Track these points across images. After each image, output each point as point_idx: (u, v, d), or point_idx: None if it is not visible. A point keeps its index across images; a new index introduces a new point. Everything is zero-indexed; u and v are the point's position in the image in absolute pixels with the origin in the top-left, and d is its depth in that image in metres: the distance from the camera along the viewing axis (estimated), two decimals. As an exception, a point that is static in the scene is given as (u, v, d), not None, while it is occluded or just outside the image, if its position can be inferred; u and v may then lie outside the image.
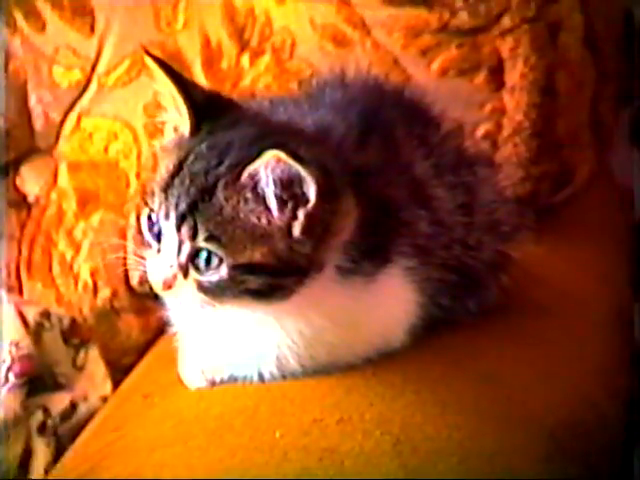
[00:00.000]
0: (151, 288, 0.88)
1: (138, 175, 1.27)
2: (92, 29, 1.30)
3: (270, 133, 0.86)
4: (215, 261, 0.83)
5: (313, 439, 0.80)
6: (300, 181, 0.80)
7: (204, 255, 0.83)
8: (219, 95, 0.92)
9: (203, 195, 0.82)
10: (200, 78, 1.25)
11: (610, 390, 1.00)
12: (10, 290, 1.23)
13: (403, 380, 0.88)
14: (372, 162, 0.90)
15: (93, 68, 1.30)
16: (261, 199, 0.82)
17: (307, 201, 0.81)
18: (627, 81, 1.38)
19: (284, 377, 0.89)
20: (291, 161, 0.79)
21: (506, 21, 1.20)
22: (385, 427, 0.81)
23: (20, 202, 1.34)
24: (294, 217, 0.82)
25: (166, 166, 0.86)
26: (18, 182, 1.35)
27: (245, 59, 1.25)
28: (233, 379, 0.91)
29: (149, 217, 0.87)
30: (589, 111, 1.31)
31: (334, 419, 0.82)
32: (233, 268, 0.83)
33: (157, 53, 1.25)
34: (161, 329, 1.15)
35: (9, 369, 1.08)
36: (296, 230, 0.82)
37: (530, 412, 0.89)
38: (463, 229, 0.95)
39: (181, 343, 0.95)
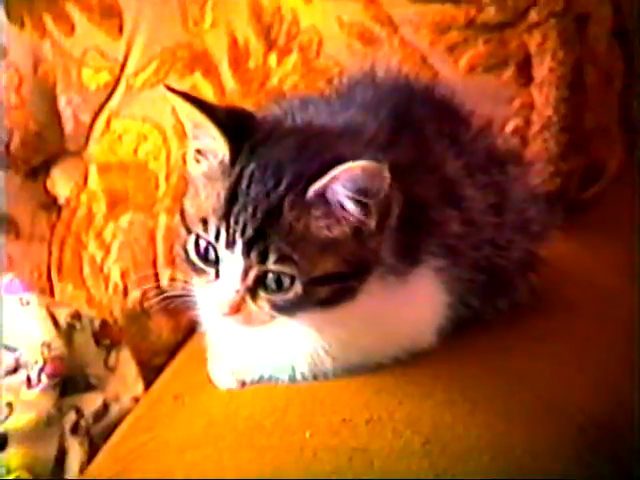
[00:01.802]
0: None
1: (167, 176, 1.27)
2: (120, 31, 1.30)
3: (310, 141, 0.86)
4: (287, 280, 0.82)
5: (343, 439, 0.81)
6: (378, 180, 0.81)
7: (273, 276, 0.83)
8: (239, 110, 0.91)
9: (270, 218, 0.82)
10: (227, 78, 1.26)
11: (636, 385, 0.99)
12: (41, 292, 1.23)
13: (432, 380, 0.88)
14: (403, 161, 0.89)
15: (121, 70, 1.31)
16: (333, 211, 0.82)
17: (378, 194, 0.82)
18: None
19: (315, 378, 0.89)
20: (368, 164, 0.79)
21: (533, 15, 1.19)
22: (414, 427, 0.82)
23: (50, 204, 1.35)
24: (368, 215, 0.82)
25: (216, 194, 0.84)
26: (48, 184, 1.36)
27: (272, 58, 1.25)
28: (263, 380, 0.91)
29: (197, 244, 0.86)
30: (618, 105, 1.30)
31: (363, 419, 0.82)
32: (307, 283, 0.83)
33: (184, 53, 1.27)
34: (191, 329, 1.16)
35: (42, 370, 1.09)
36: (372, 223, 0.83)
37: (560, 410, 0.89)
38: (493, 229, 0.95)
39: (211, 343, 0.96)
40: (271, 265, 0.82)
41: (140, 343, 1.24)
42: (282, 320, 0.86)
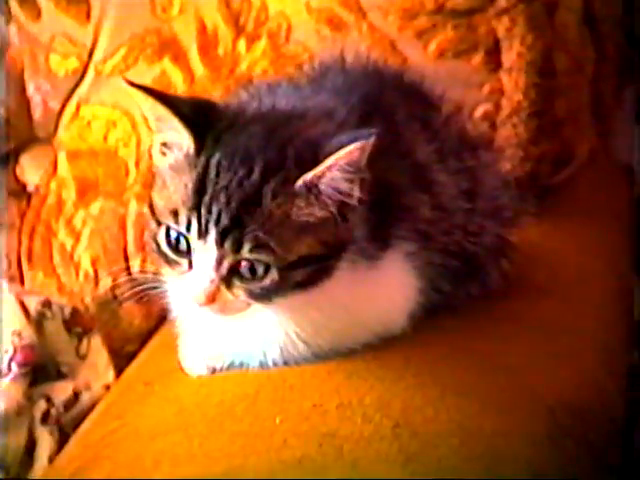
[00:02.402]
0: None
1: (137, 163, 1.27)
2: (88, 16, 1.29)
3: (277, 127, 0.85)
4: (260, 268, 0.82)
5: (313, 424, 0.81)
6: (361, 157, 0.81)
7: (247, 264, 0.83)
8: (201, 100, 0.91)
9: (246, 206, 0.82)
10: (196, 64, 1.25)
11: (611, 368, 1.00)
12: (11, 280, 1.23)
13: (403, 364, 0.88)
14: (373, 146, 0.89)
15: (90, 56, 1.30)
16: (321, 197, 0.82)
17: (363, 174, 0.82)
18: (629, 60, 1.38)
19: (286, 364, 0.89)
20: (363, 143, 0.80)
21: (502, 1, 1.19)
22: (385, 411, 0.82)
23: (20, 191, 1.34)
24: (350, 196, 0.83)
25: (184, 185, 0.84)
26: (18, 171, 1.36)
27: (241, 44, 1.25)
28: (234, 366, 0.91)
29: (167, 235, 0.85)
30: (589, 91, 1.31)
31: (334, 404, 0.82)
32: (283, 268, 0.83)
33: (153, 39, 1.26)
34: (163, 316, 1.16)
35: (12, 359, 1.08)
36: (355, 199, 0.83)
37: (531, 392, 0.89)
38: (465, 214, 0.95)
39: (182, 330, 0.96)
40: (245, 254, 0.82)
41: (111, 331, 1.24)
42: (255, 307, 0.86)
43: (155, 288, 0.91)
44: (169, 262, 0.86)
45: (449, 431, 0.81)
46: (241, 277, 0.83)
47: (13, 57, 1.32)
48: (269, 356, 0.89)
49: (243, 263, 0.83)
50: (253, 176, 0.82)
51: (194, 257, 0.84)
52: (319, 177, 0.82)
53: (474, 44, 1.20)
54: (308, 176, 0.82)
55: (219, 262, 0.83)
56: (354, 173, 0.82)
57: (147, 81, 1.23)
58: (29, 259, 1.30)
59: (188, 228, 0.83)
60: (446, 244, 0.94)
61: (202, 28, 1.26)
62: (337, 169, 0.81)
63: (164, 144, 0.87)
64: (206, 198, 0.82)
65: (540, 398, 0.89)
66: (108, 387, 1.14)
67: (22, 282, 1.29)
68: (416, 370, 0.87)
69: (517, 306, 1.02)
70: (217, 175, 0.83)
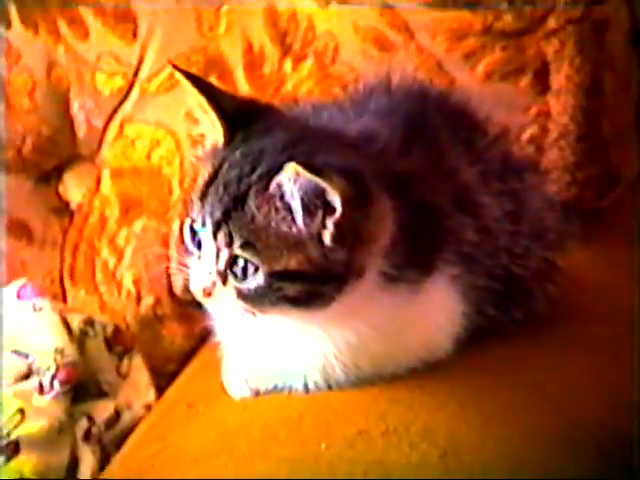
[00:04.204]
0: (194, 296, 0.88)
1: (181, 182, 1.27)
2: (135, 35, 1.30)
3: (302, 140, 0.85)
4: (252, 269, 0.83)
5: (359, 451, 0.80)
6: (324, 191, 0.80)
7: (241, 263, 0.83)
8: (255, 102, 0.92)
9: (236, 203, 0.83)
10: (242, 83, 1.25)
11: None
12: (54, 298, 1.23)
13: (448, 391, 0.87)
14: (416, 168, 0.89)
15: (135, 74, 1.31)
16: (289, 209, 0.82)
17: (334, 210, 0.80)
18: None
19: (329, 387, 0.88)
20: (307, 173, 0.78)
21: (551, 22, 1.18)
22: (431, 439, 0.80)
23: (63, 209, 1.35)
24: (324, 226, 0.81)
25: (203, 175, 0.86)
26: (61, 189, 1.36)
27: (287, 64, 1.25)
28: (277, 389, 0.90)
29: (191, 226, 0.87)
30: (635, 110, 1.29)
31: (379, 431, 0.81)
32: (270, 275, 0.82)
33: (199, 58, 1.26)
34: (204, 336, 1.16)
35: (54, 376, 1.08)
36: (327, 239, 0.81)
37: (576, 423, 0.87)
38: (509, 237, 0.94)
39: (225, 352, 0.95)
40: (236, 249, 0.82)
41: (153, 350, 1.24)
42: (293, 326, 0.86)
43: (197, 308, 0.91)
44: (188, 252, 0.87)
45: (496, 461, 0.80)
46: (235, 275, 0.83)
47: (59, 76, 1.32)
48: (310, 378, 0.88)
49: (239, 261, 0.83)
50: (252, 176, 0.83)
51: (202, 248, 0.85)
52: (279, 184, 0.81)
53: (522, 66, 1.19)
54: (277, 179, 0.81)
55: (217, 255, 0.83)
56: (309, 200, 0.80)
57: (192, 101, 1.23)
58: (71, 277, 1.31)
59: (195, 217, 0.85)
60: (491, 267, 0.92)
61: (248, 47, 1.26)
62: (292, 181, 0.80)
63: (201, 135, 0.89)
64: (211, 189, 0.84)
65: (586, 428, 0.87)
66: (149, 407, 1.14)
67: (64, 300, 1.30)
68: (461, 398, 0.86)
69: (562, 332, 1.00)
70: (227, 170, 0.84)
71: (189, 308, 1.17)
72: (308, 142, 0.85)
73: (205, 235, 0.84)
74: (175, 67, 0.89)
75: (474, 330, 0.93)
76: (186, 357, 1.22)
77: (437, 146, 0.93)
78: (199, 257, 0.86)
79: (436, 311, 0.90)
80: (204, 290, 0.85)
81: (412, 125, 0.92)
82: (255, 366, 0.92)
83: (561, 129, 1.21)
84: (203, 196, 0.84)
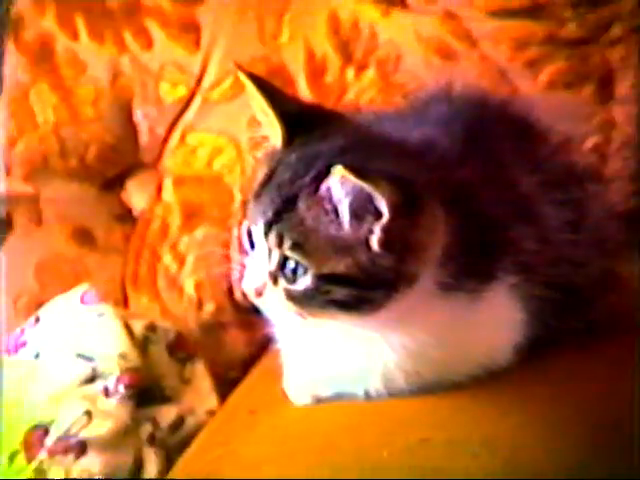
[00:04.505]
0: (254, 303, 0.89)
1: (242, 190, 1.28)
2: (198, 45, 1.32)
3: (359, 146, 0.85)
4: (301, 270, 0.83)
5: (420, 459, 0.79)
6: (371, 196, 0.79)
7: (292, 264, 0.83)
8: (317, 107, 0.93)
9: (287, 204, 0.83)
10: (304, 92, 1.26)
11: None
12: (116, 303, 1.24)
13: (509, 400, 0.86)
14: (476, 177, 0.89)
15: (198, 83, 1.32)
16: (338, 212, 0.82)
17: (381, 215, 0.80)
18: None
19: (390, 394, 0.88)
20: (353, 177, 0.78)
21: (616, 30, 1.17)
22: (493, 448, 0.80)
23: (125, 216, 1.37)
24: (371, 231, 0.81)
25: (260, 176, 0.87)
26: (123, 196, 1.38)
27: (350, 73, 1.25)
28: (338, 396, 0.91)
29: (247, 226, 0.88)
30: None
31: (441, 439, 0.81)
32: (318, 278, 0.83)
33: (261, 67, 1.27)
34: (266, 343, 1.16)
35: (118, 380, 1.10)
36: (374, 244, 0.81)
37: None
38: (570, 246, 0.93)
39: (286, 359, 0.96)
40: (287, 250, 0.83)
41: (215, 356, 1.24)
42: (352, 332, 0.87)
43: (258, 314, 0.92)
44: (246, 252, 0.88)
45: (559, 474, 0.79)
46: (285, 276, 0.84)
47: (123, 85, 1.34)
48: (371, 385, 0.88)
49: (289, 263, 0.83)
50: (305, 178, 0.83)
51: (255, 248, 0.86)
52: (328, 188, 0.81)
53: (586, 75, 1.18)
54: (327, 182, 0.81)
55: (269, 256, 0.84)
56: (356, 204, 0.80)
57: (254, 102, 1.25)
58: (134, 283, 1.32)
59: (249, 217, 0.86)
60: (551, 276, 0.91)
61: (311, 56, 1.27)
62: (340, 184, 0.80)
63: (263, 137, 0.90)
64: (266, 189, 0.85)
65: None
66: (212, 412, 1.14)
67: (126, 305, 1.31)
68: (524, 408, 0.85)
69: (623, 345, 0.99)
70: (282, 172, 0.85)
71: (250, 315, 1.18)
72: (365, 148, 0.85)
73: (258, 235, 0.85)
74: (239, 67, 0.90)
75: (535, 339, 0.92)
76: (248, 364, 1.22)
77: (497, 155, 0.93)
78: (253, 257, 0.87)
79: (496, 319, 0.90)
80: (255, 290, 0.86)
81: (472, 134, 0.92)
82: (316, 373, 0.92)
83: (625, 138, 1.20)
84: (257, 196, 0.85)
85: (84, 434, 1.04)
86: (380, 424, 0.85)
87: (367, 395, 0.88)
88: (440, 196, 0.84)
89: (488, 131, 0.95)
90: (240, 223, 0.89)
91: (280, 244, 0.83)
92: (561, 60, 1.18)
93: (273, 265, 0.84)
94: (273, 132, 0.88)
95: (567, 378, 0.92)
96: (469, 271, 0.86)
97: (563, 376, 0.92)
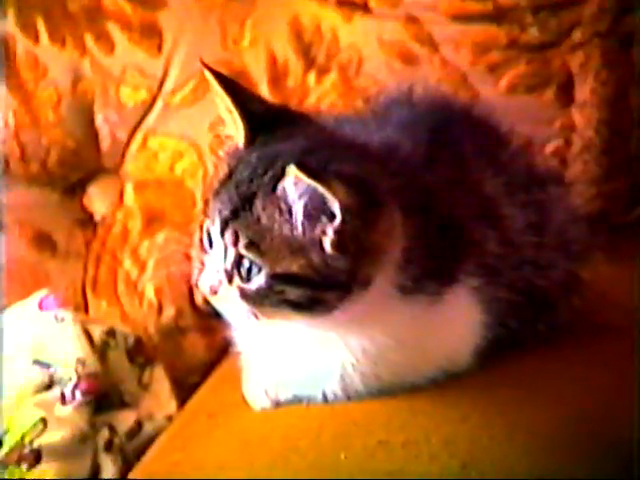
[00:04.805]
0: (215, 307, 0.88)
1: (203, 191, 1.27)
2: (160, 49, 1.31)
3: (320, 147, 0.85)
4: (256, 269, 0.83)
5: (379, 462, 0.79)
6: (325, 197, 0.79)
7: (247, 263, 0.83)
8: (282, 107, 0.93)
9: (244, 203, 0.83)
10: (266, 96, 1.25)
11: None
12: (76, 308, 1.23)
13: (470, 402, 0.86)
14: (439, 180, 0.89)
15: (159, 87, 1.31)
16: (292, 212, 0.82)
17: (335, 217, 0.80)
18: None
19: (348, 397, 0.88)
20: (305, 178, 0.78)
21: (577, 35, 1.19)
22: (451, 450, 0.80)
23: (86, 221, 1.36)
24: (324, 232, 0.81)
25: (219, 174, 0.87)
26: (85, 201, 1.37)
27: (311, 77, 1.26)
28: (297, 399, 0.90)
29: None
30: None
31: (400, 441, 0.81)
32: (271, 277, 0.82)
33: (223, 71, 1.26)
34: (226, 348, 1.15)
35: (75, 387, 1.09)
36: (327, 245, 0.81)
37: (602, 437, 0.86)
38: (533, 249, 0.94)
39: (245, 363, 0.95)
40: (242, 249, 0.83)
41: (174, 361, 1.24)
42: (311, 335, 0.87)
43: (218, 318, 0.91)
44: (203, 249, 0.88)
45: (518, 474, 0.79)
46: (240, 275, 0.84)
47: (84, 89, 1.33)
48: (329, 388, 0.88)
49: (244, 262, 0.83)
50: (264, 178, 0.83)
51: (212, 246, 0.86)
52: (284, 188, 0.81)
53: (547, 79, 1.20)
54: (283, 182, 0.81)
55: (225, 254, 0.84)
56: (310, 205, 0.80)
57: (215, 114, 1.22)
58: (94, 288, 1.31)
59: (208, 215, 0.86)
60: (514, 279, 0.92)
61: (272, 60, 1.27)
62: (295, 185, 0.80)
63: (228, 136, 0.90)
64: (224, 189, 0.85)
65: (612, 444, 0.86)
66: (171, 418, 1.14)
67: (86, 311, 1.30)
68: (483, 409, 0.85)
69: (586, 346, 0.99)
70: (242, 171, 0.85)
71: (210, 319, 1.17)
72: (326, 150, 0.85)
73: (215, 233, 0.85)
74: (205, 65, 0.90)
75: (496, 342, 0.92)
76: (207, 368, 1.22)
77: (460, 158, 0.93)
78: (211, 255, 0.87)
79: (456, 322, 0.90)
80: (211, 288, 0.86)
81: (435, 137, 0.92)
82: (275, 376, 0.92)
83: (585, 142, 1.21)
84: (217, 194, 0.85)
85: (38, 442, 1.04)
86: (339, 427, 0.85)
87: (325, 398, 0.88)
88: (402, 200, 0.84)
89: (450, 134, 0.95)
90: (202, 222, 0.89)
91: (236, 242, 0.83)
92: (522, 64, 1.19)
93: (228, 263, 0.84)
94: (236, 131, 0.88)
95: (529, 380, 0.92)
96: (430, 274, 0.86)
97: (524, 378, 0.92)
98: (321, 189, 0.78)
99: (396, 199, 0.83)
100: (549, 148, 1.21)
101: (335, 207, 0.79)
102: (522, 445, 0.82)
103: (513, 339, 0.93)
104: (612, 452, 0.85)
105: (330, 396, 0.88)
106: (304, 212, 0.81)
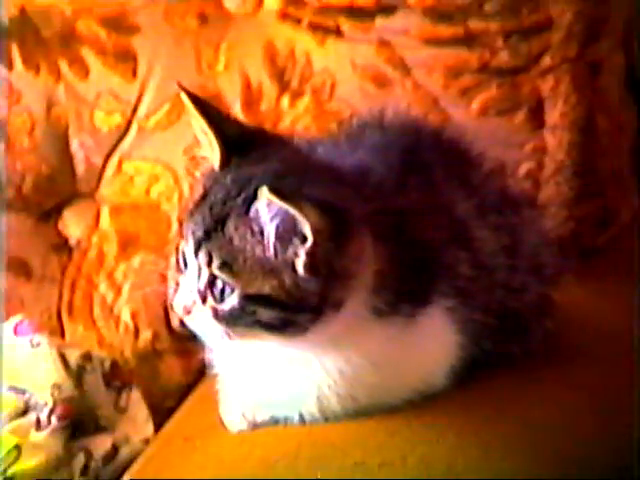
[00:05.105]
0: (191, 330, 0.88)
1: (179, 214, 1.27)
2: (134, 74, 1.31)
3: (293, 170, 0.86)
4: (229, 290, 0.83)
5: (355, 483, 0.79)
6: (296, 219, 0.80)
7: (220, 284, 0.84)
8: (257, 130, 0.94)
9: (217, 224, 0.84)
10: (239, 119, 1.26)
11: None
12: (51, 333, 1.23)
13: (446, 424, 0.87)
14: (411, 204, 0.89)
15: (133, 112, 1.31)
16: (267, 241, 0.82)
17: (306, 239, 0.81)
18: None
19: (325, 419, 0.88)
20: (277, 200, 0.79)
21: (547, 60, 1.20)
22: (428, 472, 0.80)
23: (62, 245, 1.35)
24: (296, 254, 0.82)
25: (194, 196, 0.87)
26: (60, 226, 1.36)
27: (285, 100, 1.26)
28: (274, 421, 0.90)
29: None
30: (630, 150, 1.30)
31: (376, 463, 0.81)
32: (244, 298, 0.83)
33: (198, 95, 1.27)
34: (202, 371, 1.15)
35: (51, 412, 1.08)
36: (299, 267, 0.82)
37: (575, 459, 0.86)
38: (506, 271, 0.94)
39: (222, 385, 0.95)
40: (215, 269, 0.83)
41: (151, 385, 1.23)
42: (287, 356, 0.87)
43: (195, 341, 0.91)
44: (179, 270, 0.88)
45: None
46: (214, 296, 0.84)
47: (58, 115, 1.33)
48: (305, 409, 0.88)
49: (218, 282, 0.84)
50: (237, 199, 0.84)
51: (187, 267, 0.86)
52: (257, 210, 0.82)
53: (517, 103, 1.21)
54: (257, 204, 0.81)
55: (199, 274, 0.84)
56: (282, 227, 0.81)
57: (190, 138, 1.24)
58: (69, 312, 1.31)
59: (183, 235, 0.87)
60: (487, 301, 0.92)
61: (247, 84, 1.28)
62: (267, 207, 0.81)
63: (203, 158, 0.90)
64: (198, 210, 0.85)
65: (584, 465, 0.86)
66: (147, 441, 1.13)
67: (62, 335, 1.29)
68: (458, 430, 0.86)
69: (559, 368, 1.00)
70: (216, 193, 0.85)
71: (187, 342, 1.17)
72: (300, 174, 0.86)
73: (189, 253, 0.86)
74: (181, 87, 0.90)
75: (471, 363, 0.93)
76: (184, 392, 1.22)
77: (432, 181, 0.94)
78: (185, 276, 0.87)
79: (431, 342, 0.90)
80: (184, 308, 0.86)
81: (406, 161, 0.93)
82: (252, 398, 0.92)
83: (557, 165, 1.22)
84: (191, 215, 0.86)
85: (12, 470, 1.03)
86: (315, 448, 0.85)
87: (302, 419, 0.88)
88: (374, 224, 0.85)
89: (422, 158, 0.96)
90: (178, 244, 0.89)
91: (209, 263, 0.84)
92: (493, 88, 1.20)
93: (202, 284, 0.85)
94: (212, 152, 0.89)
95: (504, 401, 0.92)
96: (404, 296, 0.86)
97: (499, 399, 0.92)
98: (292, 211, 0.79)
99: (368, 223, 0.84)
100: (521, 171, 1.22)
101: (306, 229, 0.80)
102: (497, 467, 0.82)
103: (487, 360, 0.94)
104: (582, 474, 0.85)
105: (307, 417, 0.88)
106: (276, 234, 0.82)
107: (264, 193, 0.79)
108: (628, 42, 1.26)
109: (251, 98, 1.27)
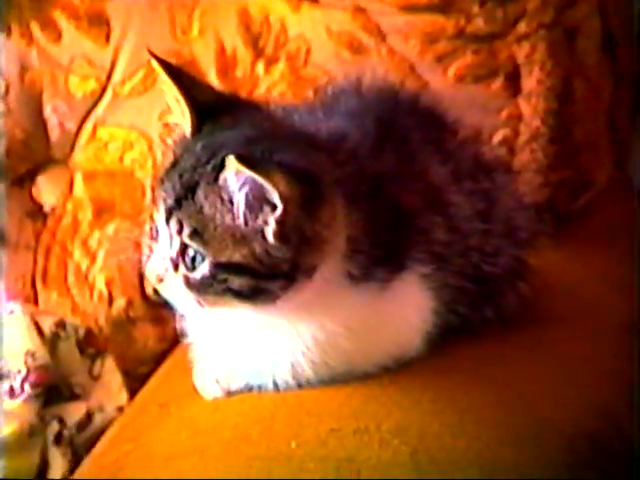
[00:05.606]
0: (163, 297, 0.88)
1: (152, 182, 1.26)
2: (107, 39, 1.30)
3: (265, 137, 0.85)
4: (200, 258, 0.83)
5: (330, 449, 0.80)
6: (258, 193, 0.80)
7: (191, 252, 0.83)
8: (231, 96, 0.93)
9: (187, 192, 0.83)
10: (215, 86, 1.24)
11: (625, 398, 0.98)
12: (25, 300, 1.23)
13: (420, 389, 0.87)
14: (387, 169, 0.89)
15: (108, 77, 1.31)
16: (237, 209, 0.82)
17: (276, 207, 0.80)
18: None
19: (299, 385, 0.88)
20: (244, 168, 0.79)
21: (522, 27, 1.20)
22: (402, 437, 0.81)
23: (36, 212, 1.35)
24: (266, 222, 0.81)
25: (165, 163, 0.87)
26: (34, 192, 1.36)
27: (260, 67, 1.25)
28: (248, 388, 0.90)
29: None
30: (606, 116, 1.30)
31: (351, 429, 0.82)
32: (215, 266, 0.83)
33: (172, 61, 1.25)
34: (177, 338, 1.15)
35: (25, 379, 1.08)
36: (269, 235, 0.81)
37: (549, 422, 0.87)
38: (480, 236, 0.95)
39: (196, 353, 0.95)
40: (186, 237, 0.83)
41: (125, 352, 1.23)
42: (261, 323, 0.87)
43: (169, 308, 0.91)
44: (152, 237, 0.88)
45: (467, 460, 0.80)
46: (185, 264, 0.84)
47: (32, 79, 1.32)
48: (279, 376, 0.88)
49: (189, 250, 0.83)
50: (207, 167, 0.83)
51: (159, 234, 0.86)
52: (225, 178, 0.81)
53: (494, 69, 1.20)
54: (225, 172, 0.81)
55: (170, 242, 0.84)
56: (251, 195, 0.81)
57: (165, 104, 1.22)
58: (44, 279, 1.30)
59: (154, 203, 0.86)
60: (462, 266, 0.93)
61: (221, 50, 1.27)
62: (236, 175, 0.80)
63: (176, 124, 0.89)
64: (168, 177, 0.85)
65: (558, 428, 0.87)
66: (121, 409, 1.13)
67: (36, 302, 1.29)
68: (433, 396, 0.86)
69: (534, 333, 1.01)
70: (186, 160, 0.85)
71: (161, 310, 1.17)
72: (271, 140, 0.85)
73: (160, 221, 0.85)
74: (152, 54, 0.89)
75: (446, 328, 0.93)
76: (159, 359, 1.22)
77: (408, 147, 0.94)
78: (157, 243, 0.87)
79: (406, 309, 0.91)
80: (157, 275, 0.86)
81: (383, 126, 0.93)
82: (225, 365, 0.92)
83: (533, 131, 1.22)
84: (161, 183, 0.85)
85: (-14, 438, 1.03)
86: (290, 415, 0.85)
87: (276, 386, 0.88)
88: (347, 189, 0.84)
89: (398, 123, 0.96)
90: (152, 211, 0.89)
91: (180, 231, 0.83)
92: (469, 55, 1.20)
93: (174, 252, 0.84)
94: (183, 119, 0.88)
95: (477, 366, 0.93)
96: (378, 262, 0.87)
97: (473, 364, 0.93)
98: (260, 180, 0.79)
99: (341, 188, 0.84)
100: (497, 137, 1.22)
101: (275, 197, 0.79)
102: (471, 431, 0.83)
103: (464, 325, 0.94)
104: (556, 436, 0.86)
105: (281, 384, 0.88)
106: (246, 202, 0.81)
107: (231, 162, 0.79)
108: (604, 6, 1.26)
109: (226, 64, 1.26)
